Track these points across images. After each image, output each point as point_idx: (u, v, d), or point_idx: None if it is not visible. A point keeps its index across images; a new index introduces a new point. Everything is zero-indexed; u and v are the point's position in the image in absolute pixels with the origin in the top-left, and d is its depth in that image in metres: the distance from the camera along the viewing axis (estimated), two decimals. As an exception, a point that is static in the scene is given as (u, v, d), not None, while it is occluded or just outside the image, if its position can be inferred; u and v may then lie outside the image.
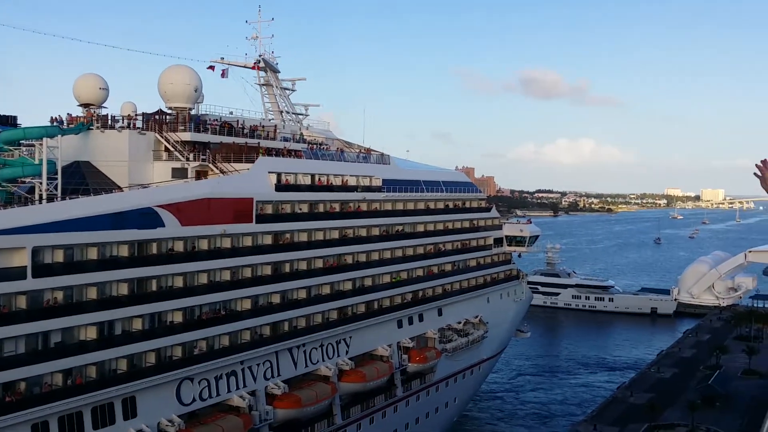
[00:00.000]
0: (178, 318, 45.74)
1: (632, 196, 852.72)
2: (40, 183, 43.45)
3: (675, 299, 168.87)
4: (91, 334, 40.27)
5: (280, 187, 54.75)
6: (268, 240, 53.26)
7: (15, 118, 52.83)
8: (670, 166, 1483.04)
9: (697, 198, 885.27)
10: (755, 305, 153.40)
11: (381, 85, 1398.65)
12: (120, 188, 47.23)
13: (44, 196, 42.57)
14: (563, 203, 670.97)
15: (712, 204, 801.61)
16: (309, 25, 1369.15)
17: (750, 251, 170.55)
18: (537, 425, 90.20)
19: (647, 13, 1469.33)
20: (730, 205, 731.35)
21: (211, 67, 67.67)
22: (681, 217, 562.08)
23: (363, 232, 64.07)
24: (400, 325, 68.81)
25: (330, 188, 60.75)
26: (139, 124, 54.19)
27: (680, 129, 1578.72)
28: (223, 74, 67.84)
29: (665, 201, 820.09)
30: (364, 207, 64.50)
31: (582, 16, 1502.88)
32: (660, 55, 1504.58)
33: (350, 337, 61.85)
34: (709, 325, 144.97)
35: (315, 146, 65.11)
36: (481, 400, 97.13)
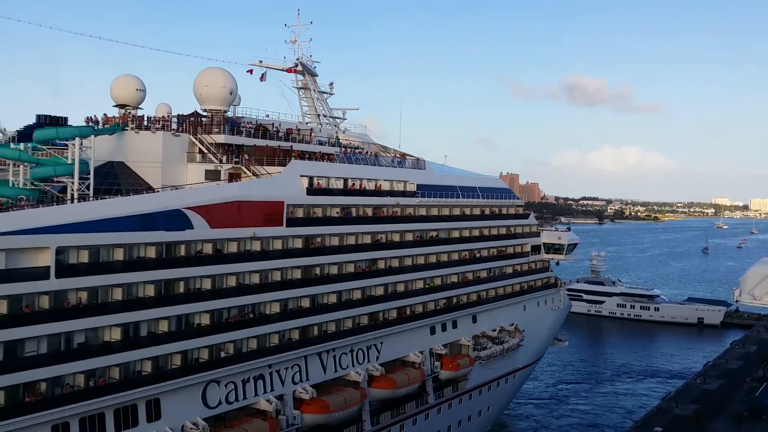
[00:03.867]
0: (206, 320, 45.60)
1: (679, 204, 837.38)
2: (72, 183, 43.76)
3: (737, 300, 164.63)
4: (116, 335, 40.30)
5: (312, 190, 54.41)
6: (298, 244, 52.95)
7: (66, 119, 53.44)
8: (717, 174, 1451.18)
9: (746, 207, 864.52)
10: None
11: (423, 90, 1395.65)
12: (152, 189, 47.42)
13: (75, 196, 42.84)
14: (608, 211, 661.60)
15: (761, 213, 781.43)
16: (350, 28, 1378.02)
17: None
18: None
19: (690, 19, 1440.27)
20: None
21: (250, 71, 68.07)
22: (726, 227, 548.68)
23: (396, 237, 63.41)
24: (432, 331, 67.95)
25: (363, 192, 60.24)
26: (173, 125, 54.49)
27: (726, 137, 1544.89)
28: (262, 78, 68.20)
29: (713, 210, 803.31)
30: (397, 212, 63.87)
31: (624, 22, 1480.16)
32: (704, 62, 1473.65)
33: (381, 343, 61.22)
34: (756, 336, 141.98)
35: (349, 150, 64.68)
36: (521, 408, 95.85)
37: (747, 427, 78.51)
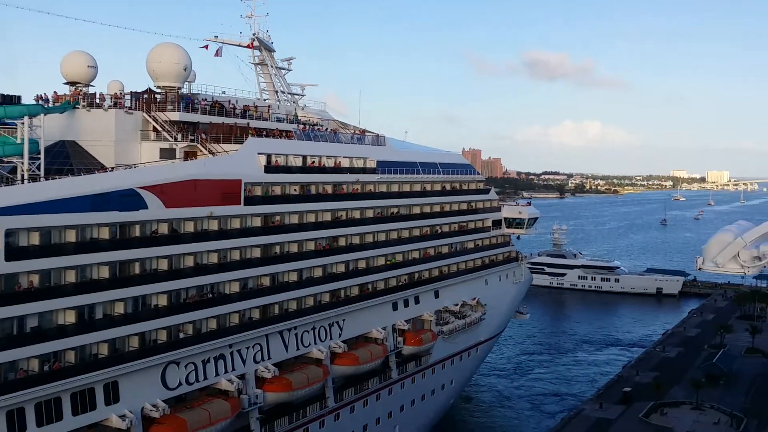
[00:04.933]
0: (163, 301, 44.95)
1: (638, 177, 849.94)
2: (22, 163, 42.54)
3: (700, 268, 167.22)
4: (70, 318, 39.48)
5: (270, 168, 53.75)
6: (257, 222, 52.37)
7: (19, 98, 51.67)
8: (675, 147, 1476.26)
9: (703, 180, 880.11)
10: (759, 285, 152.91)
11: (385, 67, 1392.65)
12: (105, 169, 46.34)
13: (25, 177, 41.68)
14: (569, 185, 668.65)
15: (717, 185, 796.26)
16: (313, 5, 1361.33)
17: None
18: (543, 404, 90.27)
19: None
20: (735, 187, 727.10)
21: (206, 46, 66.56)
22: (683, 199, 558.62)
23: (357, 214, 63.12)
24: (395, 307, 68.04)
25: (322, 170, 59.74)
26: (127, 103, 53.20)
27: (685, 111, 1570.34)
28: (218, 53, 66.69)
29: (671, 182, 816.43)
30: (358, 189, 63.51)
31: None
32: (664, 37, 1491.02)
33: (343, 320, 61.13)
34: (713, 305, 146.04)
35: (308, 127, 63.97)
36: (485, 379, 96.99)
37: (705, 393, 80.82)
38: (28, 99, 51.09)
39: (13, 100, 50.46)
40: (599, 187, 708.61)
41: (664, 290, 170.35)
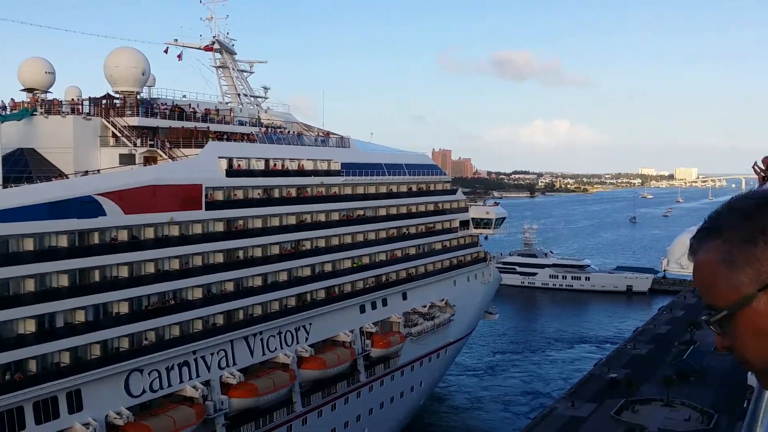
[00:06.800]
0: (124, 309, 44.61)
1: (607, 176, 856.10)
2: (-21, 172, 41.95)
3: (665, 269, 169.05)
4: (30, 327, 39.08)
5: (232, 172, 53.52)
6: (219, 227, 52.10)
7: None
8: (643, 145, 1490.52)
9: (671, 177, 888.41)
10: None
11: (353, 69, 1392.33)
12: (64, 176, 45.86)
13: (-18, 186, 41.11)
14: (540, 184, 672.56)
15: (686, 182, 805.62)
16: (277, 5, 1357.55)
17: None
18: (515, 403, 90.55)
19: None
20: (703, 184, 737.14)
21: (166, 50, 66.28)
22: (651, 197, 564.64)
23: (322, 217, 63.01)
24: (362, 310, 68.00)
25: (285, 173, 59.59)
26: (85, 109, 52.70)
27: (653, 109, 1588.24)
28: (179, 57, 66.41)
29: (640, 180, 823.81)
30: (322, 191, 63.43)
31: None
32: (630, 35, 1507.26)
33: (310, 324, 60.96)
34: (683, 302, 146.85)
35: (270, 130, 63.77)
36: (457, 380, 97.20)
37: (676, 389, 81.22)
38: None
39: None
40: (569, 186, 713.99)
41: (634, 288, 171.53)
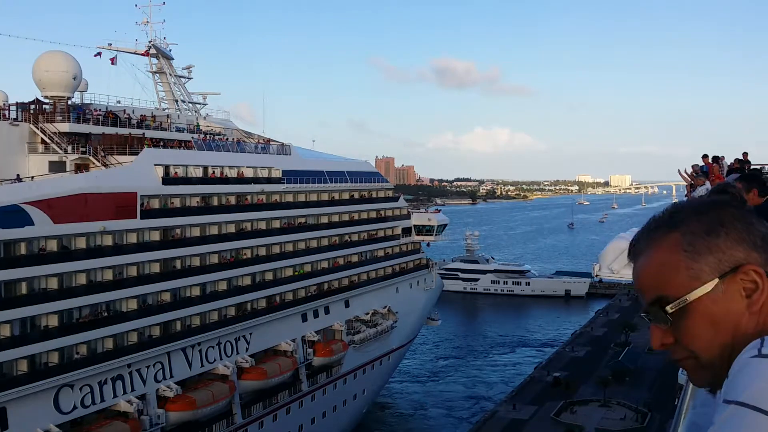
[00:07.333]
0: (54, 322, 42.84)
1: (546, 182, 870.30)
2: None
3: (597, 275, 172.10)
4: (-51, 343, 37.08)
5: (168, 180, 52.15)
6: (155, 236, 50.65)
7: None
8: (580, 153, 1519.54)
9: (606, 184, 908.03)
10: None
11: (294, 76, 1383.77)
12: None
13: None
14: (481, 191, 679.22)
15: (620, 189, 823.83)
16: (217, 11, 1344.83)
17: None
18: (458, 407, 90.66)
19: (552, 2, 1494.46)
20: (637, 190, 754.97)
21: (98, 54, 64.27)
22: (587, 203, 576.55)
23: (262, 225, 61.98)
24: (304, 318, 67.10)
25: (224, 180, 58.40)
26: (12, 114, 50.63)
27: (589, 117, 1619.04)
28: (113, 61, 64.57)
29: (577, 187, 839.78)
30: (263, 199, 62.39)
31: (489, 5, 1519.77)
32: (567, 45, 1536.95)
33: (250, 334, 59.79)
34: (618, 305, 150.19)
35: (209, 137, 62.47)
36: (399, 386, 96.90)
37: (612, 390, 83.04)
38: None
39: None
40: (510, 193, 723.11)
41: (572, 292, 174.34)
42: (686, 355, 2.39)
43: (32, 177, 46.31)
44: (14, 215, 40.60)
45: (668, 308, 2.35)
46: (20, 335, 40.94)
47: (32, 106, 51.51)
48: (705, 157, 21.21)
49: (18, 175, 46.28)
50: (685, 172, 20.89)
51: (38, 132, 49.37)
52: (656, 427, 73.56)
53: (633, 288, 2.58)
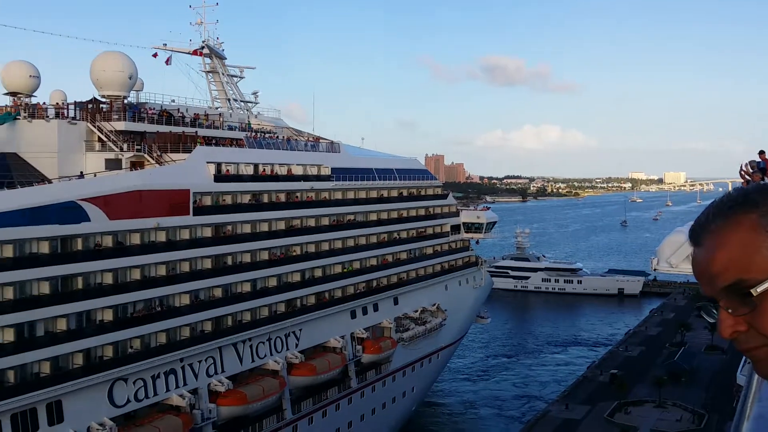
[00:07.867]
0: (108, 316, 43.65)
1: (598, 180, 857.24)
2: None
3: (655, 269, 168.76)
4: (9, 336, 38.08)
5: (220, 177, 52.74)
6: (207, 232, 51.27)
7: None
8: (633, 149, 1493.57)
9: (660, 181, 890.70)
10: None
11: (343, 76, 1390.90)
12: (48, 181, 44.97)
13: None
14: (532, 188, 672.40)
15: (675, 186, 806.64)
16: (269, 12, 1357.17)
17: None
18: (508, 407, 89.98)
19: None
20: (692, 188, 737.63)
21: (155, 54, 65.48)
22: (640, 200, 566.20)
23: (312, 222, 62.28)
24: (353, 315, 67.26)
25: (275, 178, 58.83)
26: (70, 113, 51.84)
27: (641, 113, 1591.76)
28: (168, 61, 65.65)
29: (630, 184, 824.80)
30: (312, 196, 62.70)
31: (539, 3, 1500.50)
32: (617, 40, 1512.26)
33: (300, 330, 60.18)
34: (673, 304, 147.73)
35: (260, 135, 63.01)
36: (449, 384, 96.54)
37: (667, 391, 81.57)
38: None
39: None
40: (560, 190, 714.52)
41: (626, 290, 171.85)
42: (760, 343, 2.27)
43: (95, 174, 47.29)
44: (71, 211, 41.52)
45: (753, 291, 2.20)
46: (76, 329, 41.81)
47: (90, 105, 52.62)
48: (762, 153, 20.51)
49: (81, 172, 47.43)
50: (743, 169, 20.27)
51: (95, 130, 50.42)
52: (714, 430, 71.88)
53: (693, 277, 2.42)
